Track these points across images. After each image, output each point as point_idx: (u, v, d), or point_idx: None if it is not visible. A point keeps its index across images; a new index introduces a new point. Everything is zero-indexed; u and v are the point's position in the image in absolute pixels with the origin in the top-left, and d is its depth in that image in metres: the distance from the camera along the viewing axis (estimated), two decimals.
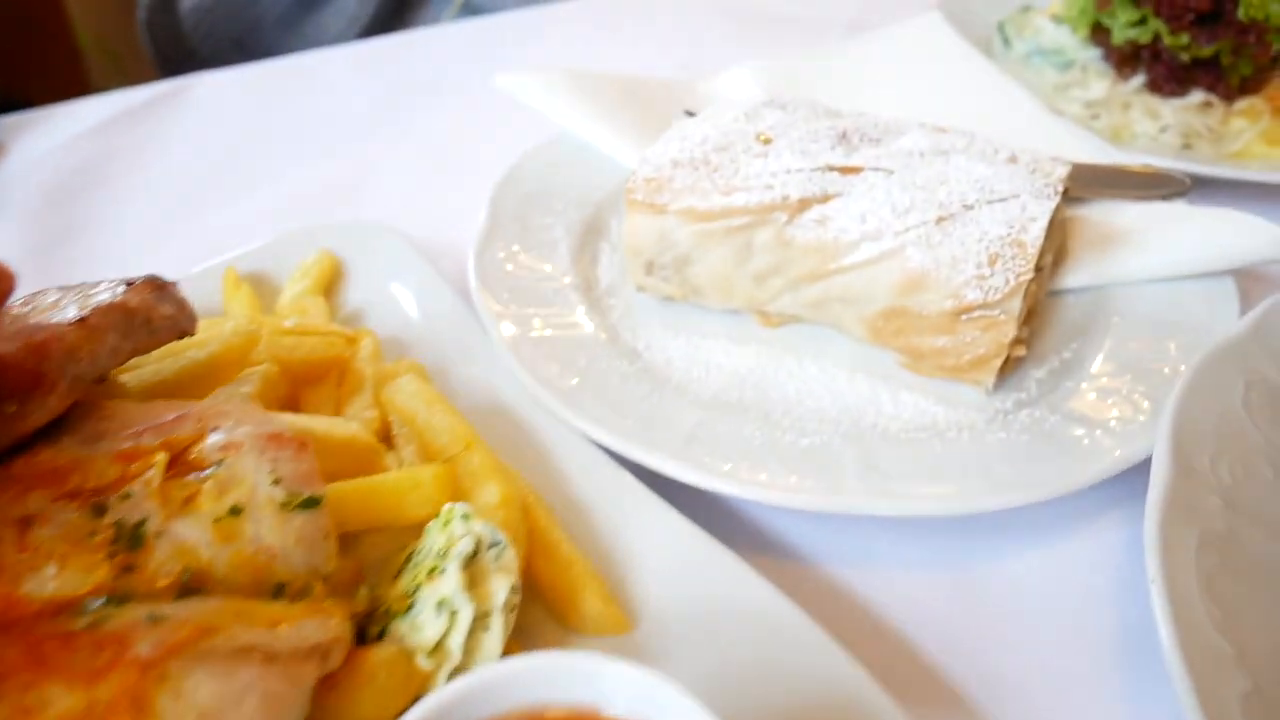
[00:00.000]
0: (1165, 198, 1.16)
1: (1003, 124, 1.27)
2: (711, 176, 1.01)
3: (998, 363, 0.94)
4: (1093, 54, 1.51)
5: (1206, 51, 1.38)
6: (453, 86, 1.71)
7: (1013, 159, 1.04)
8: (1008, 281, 0.91)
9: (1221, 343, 0.92)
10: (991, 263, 0.92)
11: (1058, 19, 1.56)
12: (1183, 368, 0.94)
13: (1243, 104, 1.43)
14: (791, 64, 1.39)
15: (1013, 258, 0.92)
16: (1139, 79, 1.45)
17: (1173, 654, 0.66)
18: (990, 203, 0.96)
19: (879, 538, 0.89)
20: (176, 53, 2.57)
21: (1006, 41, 1.65)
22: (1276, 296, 0.98)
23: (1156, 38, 1.40)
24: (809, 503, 0.83)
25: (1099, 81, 1.47)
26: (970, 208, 0.96)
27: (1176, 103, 1.42)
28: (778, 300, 1.03)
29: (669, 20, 1.91)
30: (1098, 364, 0.98)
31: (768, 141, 1.04)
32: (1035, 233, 0.93)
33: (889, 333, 0.99)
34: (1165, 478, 0.79)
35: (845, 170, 1.01)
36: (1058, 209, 1.00)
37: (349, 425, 0.84)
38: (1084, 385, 0.96)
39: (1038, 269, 0.96)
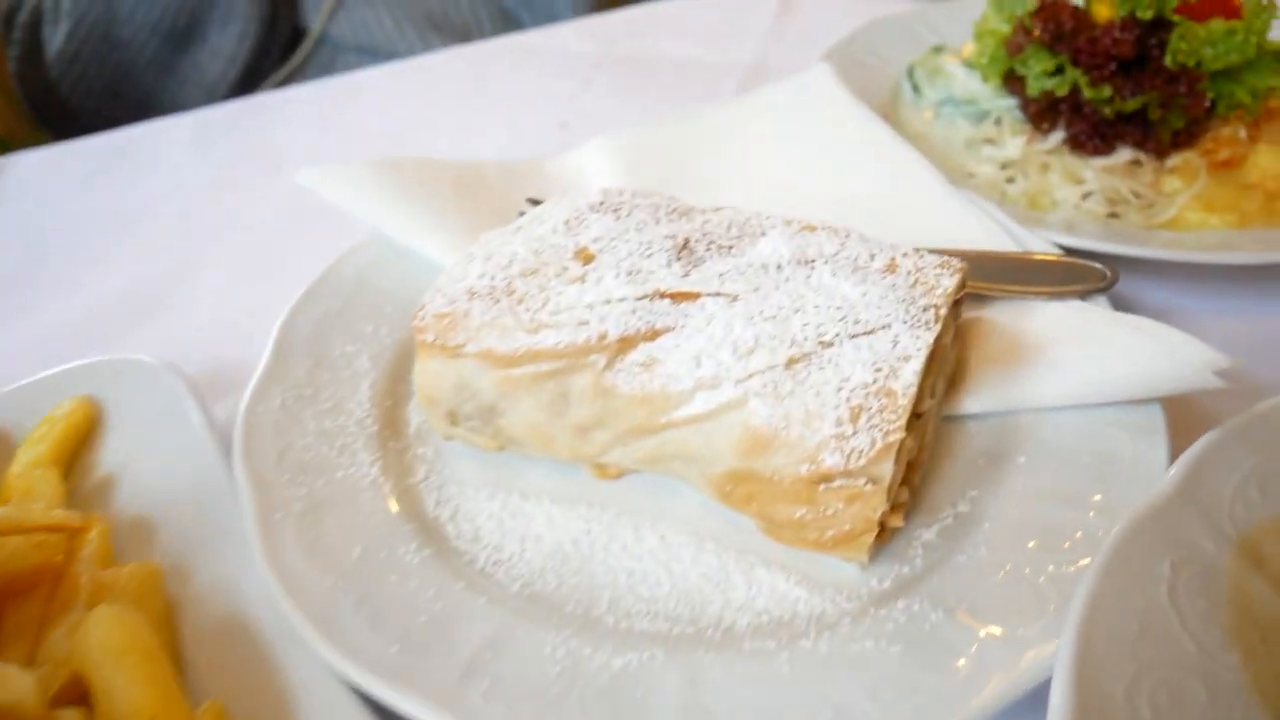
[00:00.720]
0: (1085, 294, 0.97)
1: (896, 199, 1.10)
2: (516, 309, 0.81)
3: (868, 539, 0.75)
4: (1009, 104, 1.33)
5: (1132, 104, 1.19)
6: (298, 161, 1.50)
7: (891, 265, 0.85)
8: (874, 442, 0.72)
9: (1143, 511, 0.73)
10: (854, 418, 0.73)
11: (969, 65, 1.37)
12: (1101, 533, 0.75)
13: (1176, 160, 1.25)
14: (657, 133, 1.19)
15: (880, 411, 0.73)
16: (1059, 135, 1.26)
17: None
18: (854, 337, 0.77)
19: None
20: (49, 105, 2.37)
21: (916, 89, 1.46)
22: (1211, 436, 0.79)
23: (1075, 89, 1.22)
24: None
25: (1015, 138, 1.29)
26: (829, 345, 0.77)
27: (1101, 162, 1.23)
28: (607, 454, 0.84)
29: (552, 68, 1.72)
30: (997, 525, 0.79)
31: (589, 259, 0.85)
32: (908, 378, 0.74)
33: (738, 498, 0.80)
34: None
35: (679, 297, 0.81)
36: (943, 336, 0.81)
37: (13, 684, 0.64)
38: (979, 555, 0.77)
39: (916, 415, 0.77)
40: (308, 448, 0.87)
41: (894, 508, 0.78)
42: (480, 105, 1.62)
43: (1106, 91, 1.19)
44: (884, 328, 0.78)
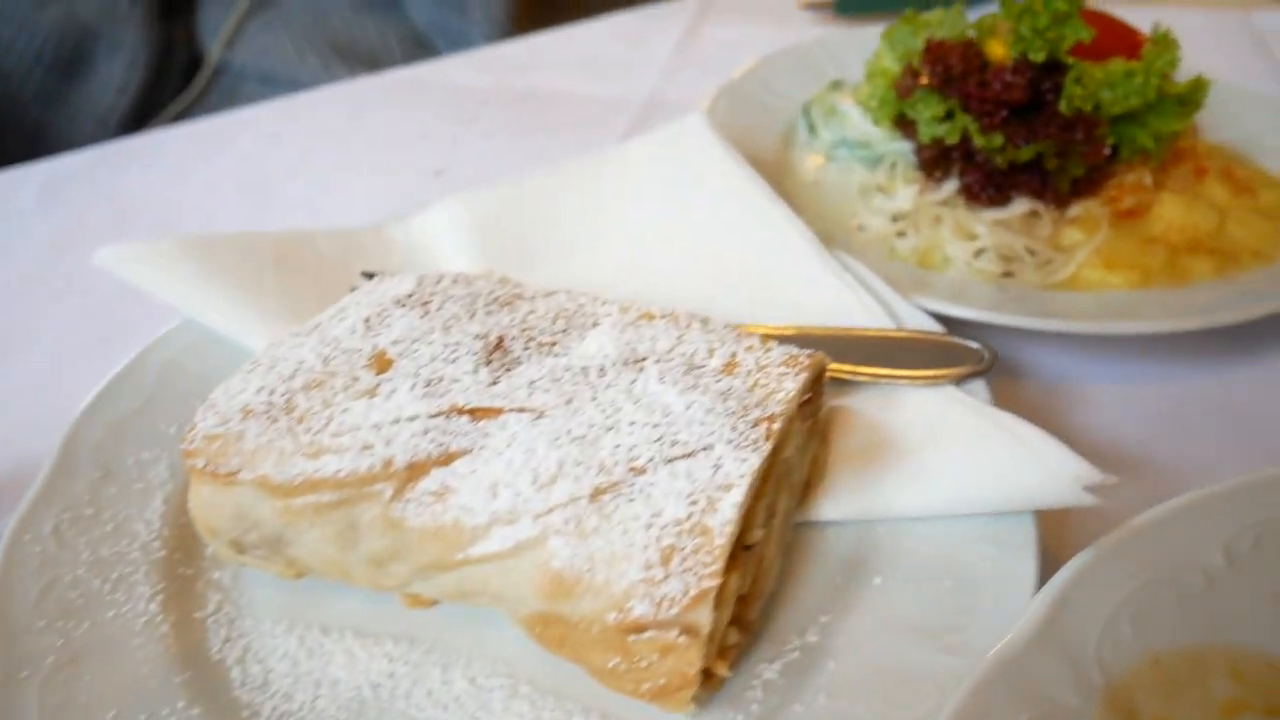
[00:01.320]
0: (960, 379, 0.88)
1: (764, 268, 1.00)
2: (295, 430, 0.71)
3: (686, 695, 0.65)
4: (905, 148, 1.24)
5: (1025, 153, 1.10)
6: (151, 215, 1.40)
7: (730, 365, 0.76)
8: (686, 589, 0.63)
9: (996, 659, 0.64)
10: (664, 560, 0.64)
11: (862, 105, 1.28)
12: (951, 682, 0.66)
13: (1077, 209, 1.17)
14: (514, 193, 1.10)
15: (694, 552, 0.64)
16: (952, 184, 1.17)
17: None
18: (671, 461, 0.68)
19: None
20: None
21: (812, 129, 1.37)
22: (1079, 560, 0.70)
23: (967, 137, 1.13)
24: None
25: (907, 187, 1.19)
26: (642, 471, 0.67)
27: (995, 214, 1.14)
28: (409, 586, 0.74)
29: (438, 106, 1.62)
30: (843, 666, 0.70)
31: (385, 367, 0.75)
32: (726, 513, 0.65)
33: (550, 640, 0.70)
34: None
35: (479, 413, 0.71)
36: (782, 448, 0.71)
37: None
38: (819, 705, 0.68)
39: (746, 546, 0.68)
40: (76, 583, 0.77)
41: (722, 652, 0.68)
42: (355, 149, 1.51)
43: (998, 139, 1.11)
44: (705, 449, 0.68)
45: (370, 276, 0.99)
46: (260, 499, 0.71)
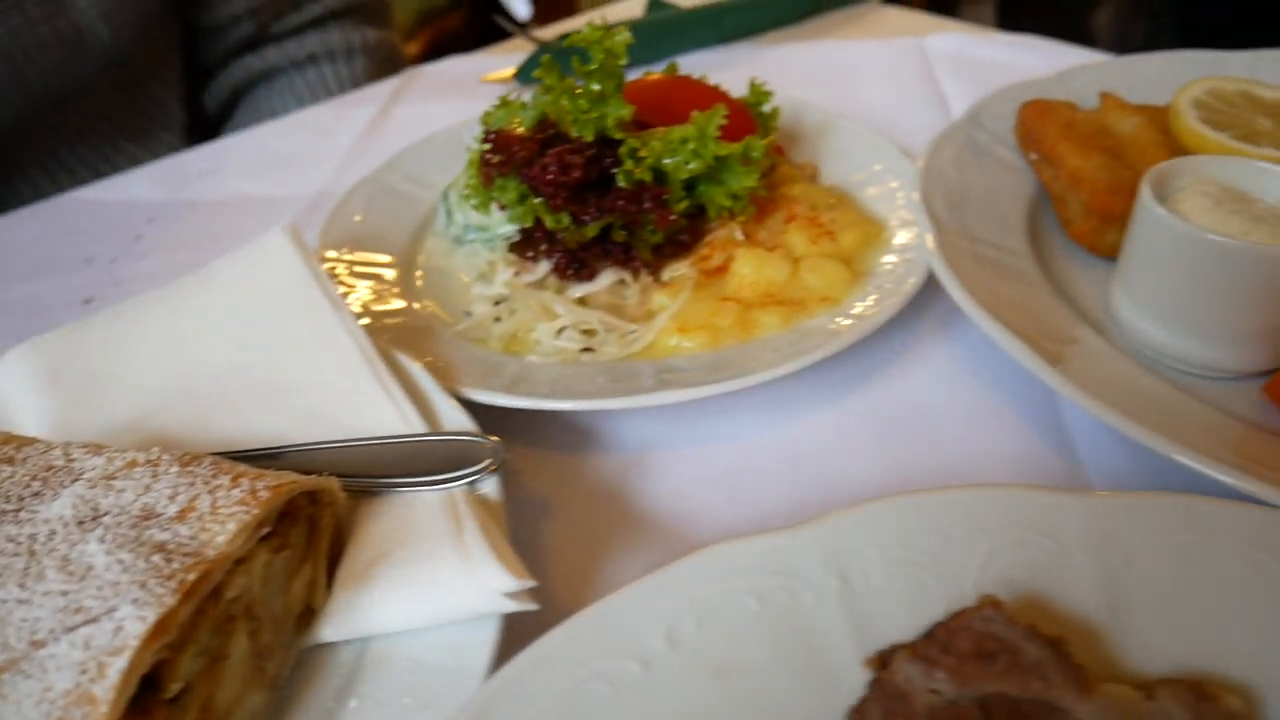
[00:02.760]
0: (476, 477, 0.89)
1: (322, 381, 1.01)
2: None
3: None
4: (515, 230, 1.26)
5: (590, 230, 1.13)
6: None
7: (185, 511, 0.76)
8: None
9: None
10: None
11: (460, 193, 1.30)
12: None
13: (678, 269, 1.20)
14: (86, 331, 1.09)
15: None
16: (545, 265, 1.19)
17: None
18: (72, 629, 0.67)
19: None
20: None
21: (449, 214, 1.39)
22: (509, 668, 0.71)
23: (539, 218, 1.15)
24: None
25: (506, 270, 1.22)
26: (42, 644, 0.67)
27: (583, 290, 1.17)
28: None
29: (105, 225, 1.60)
30: None
31: None
32: (112, 679, 0.64)
33: None
34: None
35: None
36: (223, 590, 0.71)
37: None
38: None
39: (170, 700, 0.68)
40: None
41: None
42: (12, 277, 1.49)
43: (565, 219, 1.13)
44: (109, 612, 0.68)
45: None
46: None
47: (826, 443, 1.06)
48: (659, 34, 2.04)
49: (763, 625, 0.75)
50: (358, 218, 1.36)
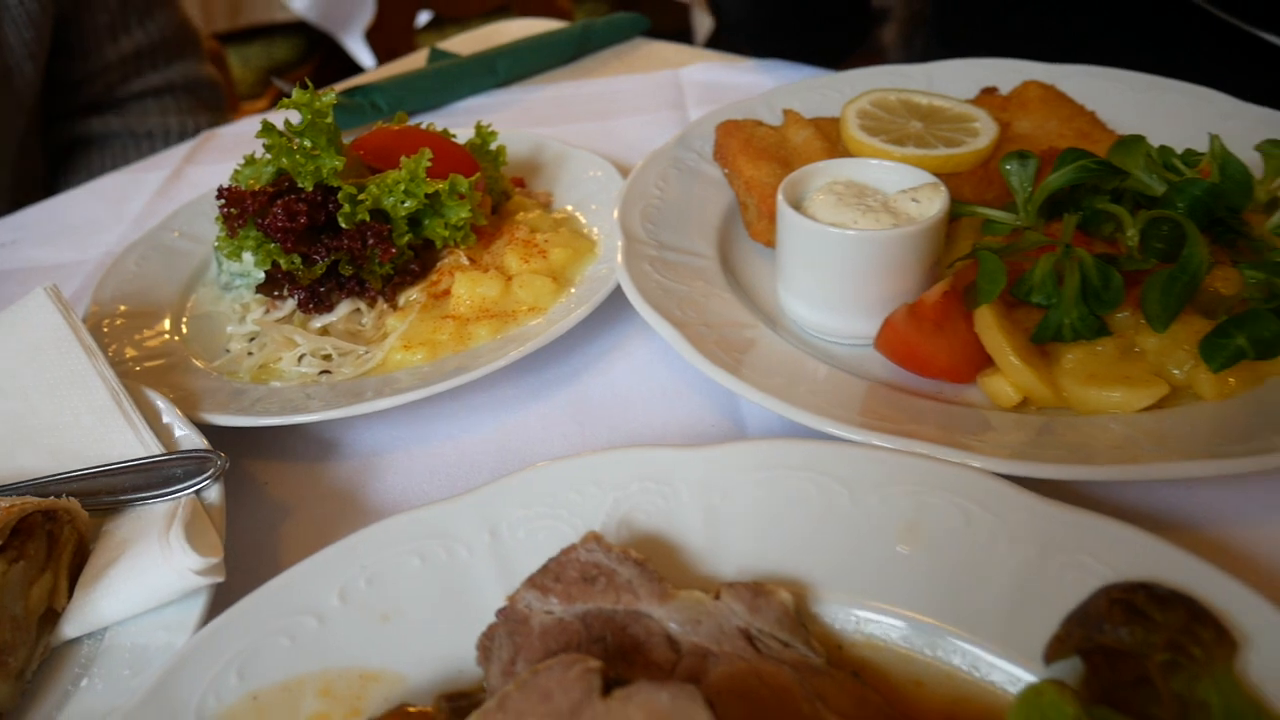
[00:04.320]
0: (201, 485, 1.03)
1: (75, 420, 1.14)
2: None
3: None
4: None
5: (319, 269, 1.28)
6: None
7: None
8: None
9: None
10: None
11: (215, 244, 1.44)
12: None
13: (413, 294, 1.36)
14: None
15: None
16: (291, 302, 1.34)
17: None
18: None
19: None
20: None
21: (219, 265, 1.52)
22: (197, 635, 0.86)
23: (275, 261, 1.30)
24: None
25: (257, 309, 1.36)
26: None
27: (323, 320, 1.32)
28: None
29: None
30: None
31: None
32: None
33: None
34: None
35: None
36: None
37: None
38: None
39: None
40: None
41: None
42: None
43: (297, 260, 1.28)
44: None
45: None
46: None
47: (533, 432, 1.22)
48: (439, 82, 2.20)
49: (423, 577, 0.91)
50: (132, 272, 1.49)
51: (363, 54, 5.59)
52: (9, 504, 0.93)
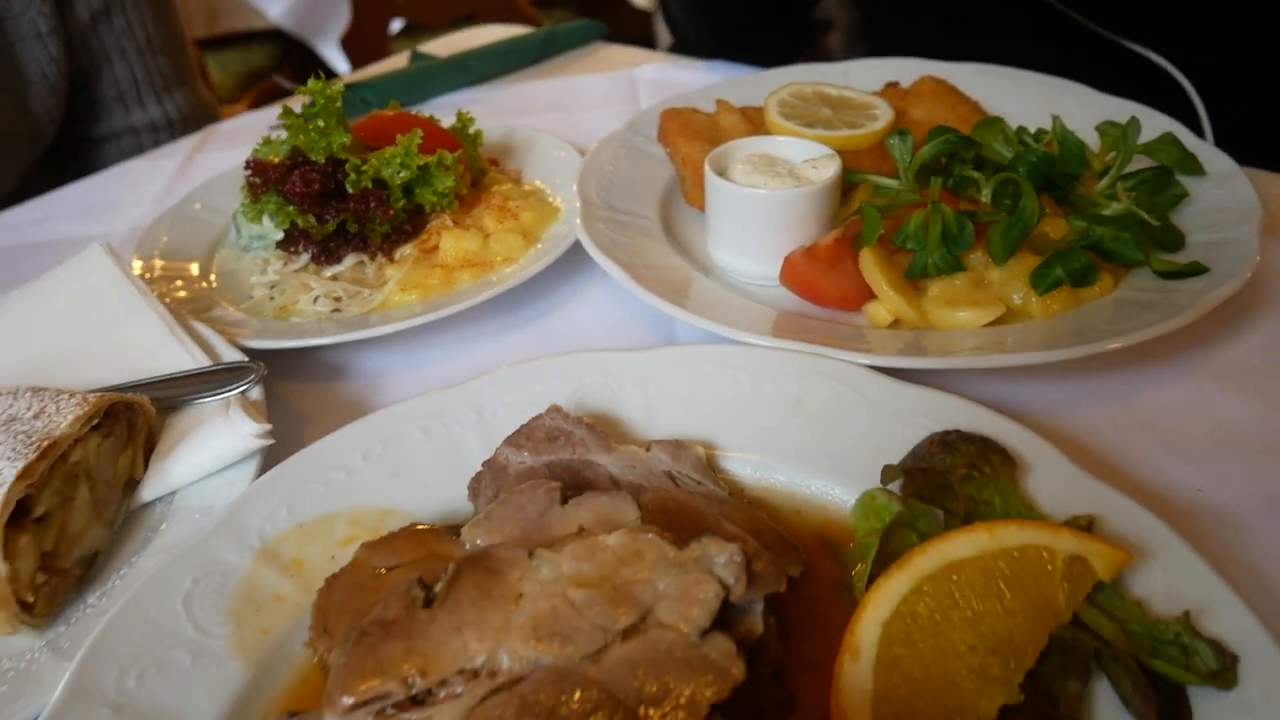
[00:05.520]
0: (245, 387, 1.31)
1: (124, 348, 1.40)
2: None
3: (2, 617, 1.05)
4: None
5: (330, 226, 1.56)
6: None
7: (38, 414, 1.16)
8: None
9: (181, 547, 1.06)
10: None
11: (239, 211, 1.72)
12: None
13: (406, 250, 1.64)
14: None
15: None
16: (305, 256, 1.62)
17: None
18: None
19: None
20: None
21: (238, 231, 1.80)
22: (254, 483, 1.14)
23: (294, 221, 1.58)
24: None
25: (276, 263, 1.64)
26: None
27: (332, 270, 1.60)
28: None
29: None
30: (122, 575, 1.11)
31: None
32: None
33: None
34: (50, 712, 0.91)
35: None
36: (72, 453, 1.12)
37: None
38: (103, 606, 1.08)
39: (37, 519, 1.08)
40: None
41: (37, 588, 1.08)
42: None
43: (312, 220, 1.56)
44: None
45: None
46: None
47: (508, 358, 1.50)
48: (420, 80, 2.49)
49: (425, 444, 1.19)
50: (164, 239, 1.77)
51: (338, 60, 5.85)
52: (96, 396, 1.21)
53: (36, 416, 1.16)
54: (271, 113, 2.53)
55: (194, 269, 1.69)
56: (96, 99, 2.64)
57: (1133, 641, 0.88)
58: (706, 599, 0.87)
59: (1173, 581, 0.93)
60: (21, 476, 1.07)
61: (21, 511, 1.09)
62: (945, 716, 0.86)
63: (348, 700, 0.86)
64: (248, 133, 2.41)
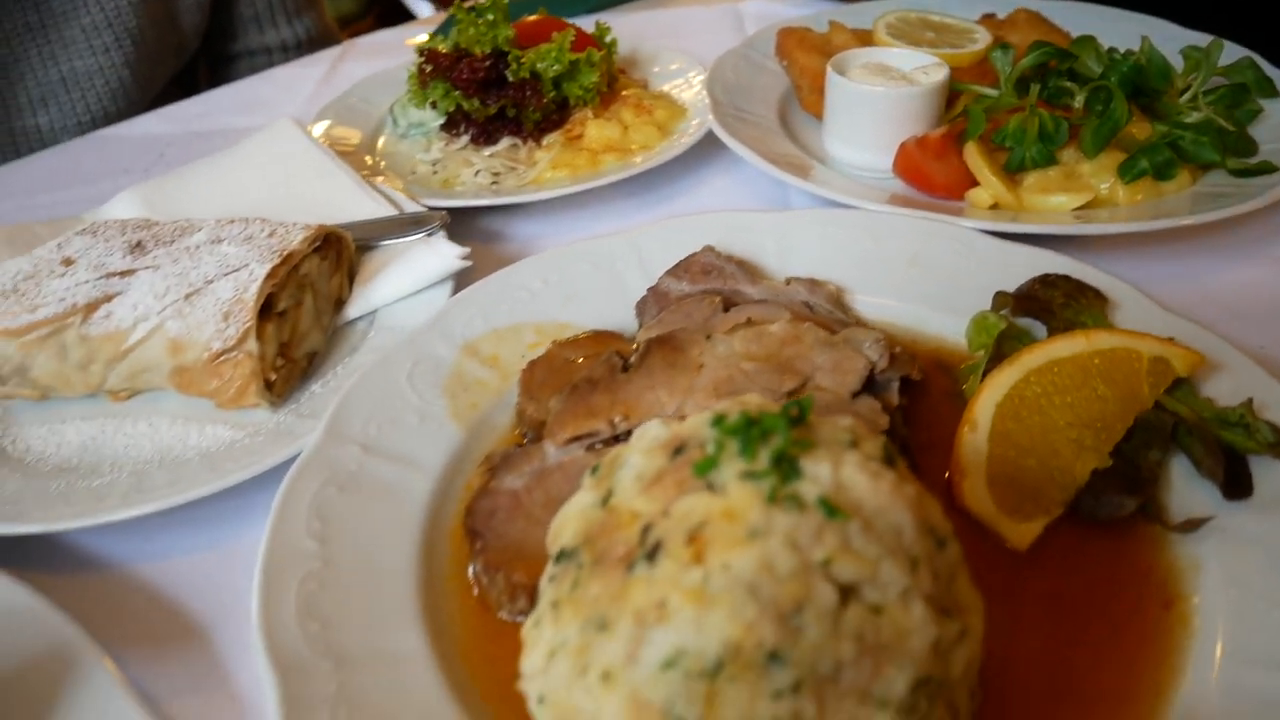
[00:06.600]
0: (430, 231, 1.53)
1: (325, 200, 1.62)
2: (20, 300, 1.30)
3: (253, 390, 1.27)
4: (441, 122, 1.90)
5: (491, 109, 1.78)
6: None
7: (273, 233, 1.38)
8: (239, 330, 1.25)
9: (402, 340, 1.28)
10: (225, 318, 1.25)
11: (405, 98, 1.94)
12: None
13: (553, 138, 1.85)
14: (163, 183, 1.69)
15: (240, 312, 1.26)
16: (465, 138, 1.84)
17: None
18: (227, 274, 1.30)
19: None
20: None
21: (395, 121, 2.02)
22: (458, 295, 1.35)
23: (459, 105, 1.80)
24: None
25: (438, 143, 1.86)
26: (212, 281, 1.29)
27: (490, 150, 1.81)
28: (108, 380, 1.32)
29: (134, 150, 2.18)
30: (335, 372, 1.33)
31: (70, 263, 1.35)
32: (253, 290, 1.27)
33: (187, 384, 1.30)
34: (315, 443, 1.13)
35: (124, 274, 1.32)
36: (300, 266, 1.34)
37: None
38: (331, 385, 1.31)
39: (280, 313, 1.30)
40: None
41: (277, 370, 1.30)
42: (64, 184, 2.06)
43: (476, 104, 1.78)
44: (245, 266, 1.30)
45: None
46: (6, 342, 1.30)
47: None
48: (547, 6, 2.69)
49: (593, 275, 1.40)
50: (332, 123, 1.99)
51: (422, 6, 6.04)
52: (317, 225, 1.42)
53: (271, 235, 1.38)
54: (402, 32, 2.76)
55: (363, 152, 1.91)
56: (235, 17, 2.87)
57: (1204, 421, 1.07)
58: (857, 368, 1.07)
59: (1238, 384, 1.12)
60: (270, 275, 1.30)
61: (266, 307, 1.31)
62: (1046, 475, 1.06)
63: (565, 434, 1.07)
64: (382, 48, 2.63)
